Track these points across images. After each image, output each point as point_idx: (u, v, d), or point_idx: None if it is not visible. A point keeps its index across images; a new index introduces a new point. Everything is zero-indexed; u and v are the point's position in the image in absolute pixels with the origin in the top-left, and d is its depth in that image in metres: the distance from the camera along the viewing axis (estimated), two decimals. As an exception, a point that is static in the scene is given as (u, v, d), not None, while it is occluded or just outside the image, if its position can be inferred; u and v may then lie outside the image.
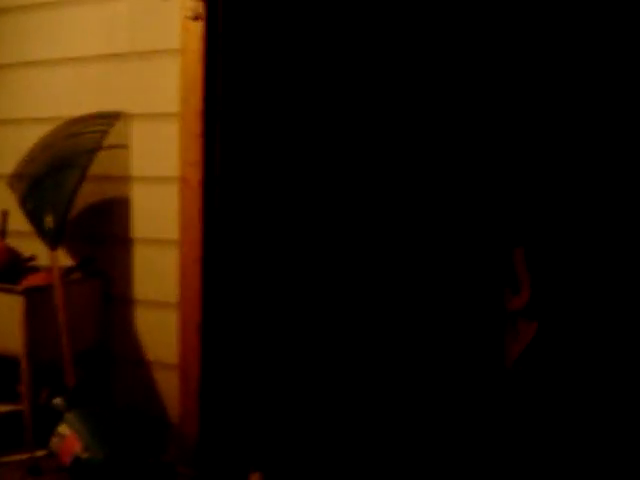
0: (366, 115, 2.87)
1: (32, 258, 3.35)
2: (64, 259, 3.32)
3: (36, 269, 3.34)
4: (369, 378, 3.29)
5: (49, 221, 3.11)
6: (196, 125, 3.03)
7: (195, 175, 3.03)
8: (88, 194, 3.28)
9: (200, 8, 3.03)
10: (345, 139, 3.25)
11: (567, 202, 3.10)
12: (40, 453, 3.05)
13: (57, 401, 2.93)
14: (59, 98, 3.48)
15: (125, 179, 3.28)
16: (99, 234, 3.38)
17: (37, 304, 3.02)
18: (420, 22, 3.43)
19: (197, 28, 3.04)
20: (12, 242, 3.44)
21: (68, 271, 3.26)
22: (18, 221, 3.34)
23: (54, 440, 2.90)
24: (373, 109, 2.86)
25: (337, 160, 3.63)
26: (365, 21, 3.56)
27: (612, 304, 3.17)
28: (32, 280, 3.14)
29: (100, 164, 3.20)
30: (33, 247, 3.33)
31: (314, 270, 3.66)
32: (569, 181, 3.16)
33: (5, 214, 3.46)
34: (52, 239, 3.12)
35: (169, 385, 3.23)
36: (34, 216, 3.19)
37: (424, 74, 3.47)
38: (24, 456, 3.09)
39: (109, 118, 3.19)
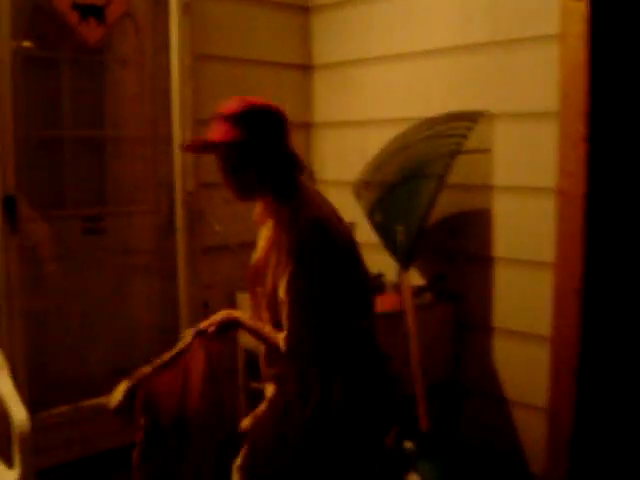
0: None
1: (379, 275, 3.05)
2: (412, 276, 2.98)
3: (382, 286, 3.04)
4: None
5: (400, 236, 2.79)
6: (578, 127, 2.51)
7: (575, 187, 2.52)
8: (441, 205, 2.88)
9: (583, -16, 2.51)
10: None
11: None
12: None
13: (409, 445, 2.60)
14: (405, 97, 3.17)
15: (486, 189, 2.87)
16: (451, 251, 3.01)
17: (387, 332, 2.69)
18: None
19: (579, 8, 2.53)
20: (357, 255, 3.18)
21: (417, 291, 2.92)
22: (364, 233, 3.07)
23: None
24: None
25: None
26: None
27: None
28: (381, 304, 2.84)
29: (457, 171, 2.80)
30: (378, 260, 3.04)
31: None
32: None
33: (351, 226, 3.21)
34: (404, 256, 2.80)
35: (531, 429, 2.79)
36: (383, 229, 2.89)
37: None
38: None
39: (468, 119, 2.78)
